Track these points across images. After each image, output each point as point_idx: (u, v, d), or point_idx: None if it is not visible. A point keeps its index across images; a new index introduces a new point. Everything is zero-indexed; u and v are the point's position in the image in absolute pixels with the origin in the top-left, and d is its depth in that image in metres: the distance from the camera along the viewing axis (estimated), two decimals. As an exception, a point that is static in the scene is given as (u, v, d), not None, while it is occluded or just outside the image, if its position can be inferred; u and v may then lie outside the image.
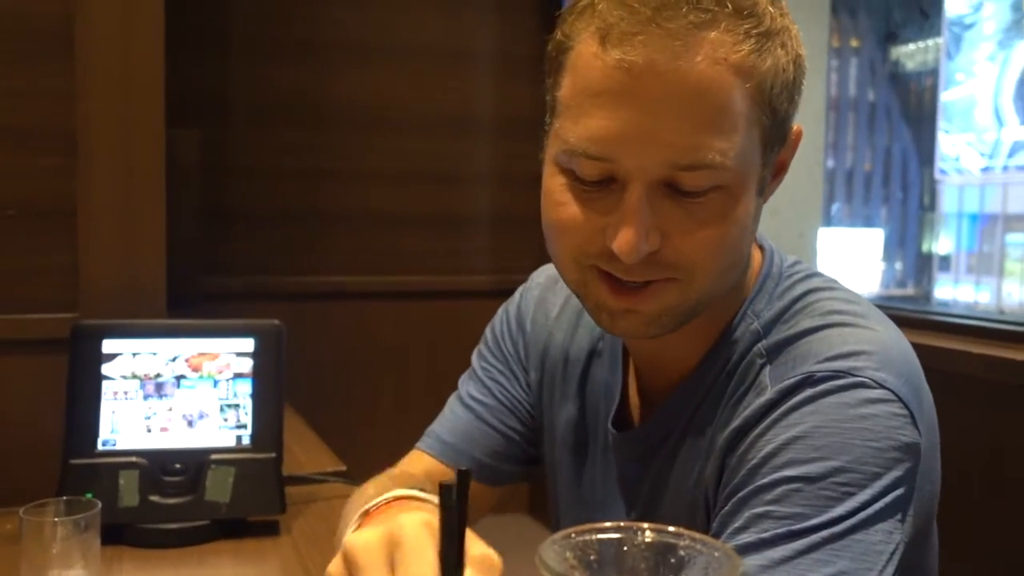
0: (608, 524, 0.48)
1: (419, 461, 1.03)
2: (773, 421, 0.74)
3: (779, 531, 0.68)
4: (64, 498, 0.98)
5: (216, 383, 1.26)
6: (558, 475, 0.98)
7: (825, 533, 0.68)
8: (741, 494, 0.72)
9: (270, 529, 1.25)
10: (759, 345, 0.80)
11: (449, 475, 1.01)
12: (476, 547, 0.61)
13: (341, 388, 3.07)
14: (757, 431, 0.74)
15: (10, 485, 1.14)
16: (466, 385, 1.05)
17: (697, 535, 0.47)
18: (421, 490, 0.82)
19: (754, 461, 0.73)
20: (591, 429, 0.94)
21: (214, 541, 1.21)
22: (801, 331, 0.78)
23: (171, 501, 1.20)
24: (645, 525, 0.48)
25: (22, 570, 0.96)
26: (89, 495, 1.06)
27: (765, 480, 0.71)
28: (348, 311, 3.16)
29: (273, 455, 1.24)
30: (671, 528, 0.48)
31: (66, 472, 1.18)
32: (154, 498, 1.20)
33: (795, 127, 0.79)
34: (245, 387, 1.26)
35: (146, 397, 1.24)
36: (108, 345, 1.24)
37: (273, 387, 1.27)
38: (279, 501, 1.23)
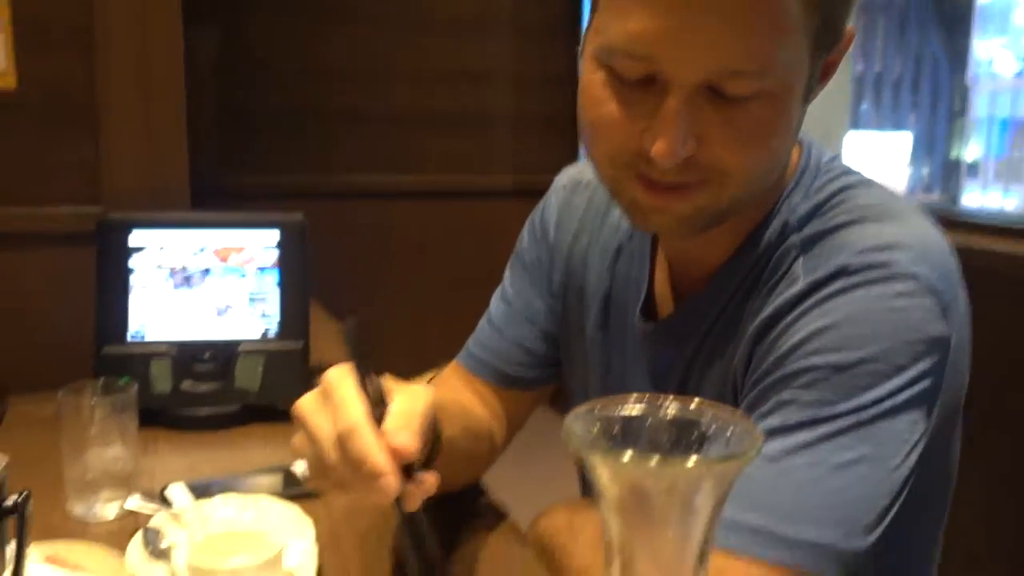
0: (632, 396, 0.49)
1: (455, 371, 1.09)
2: (804, 310, 0.74)
3: (803, 417, 0.70)
4: (101, 379, 1.02)
5: (242, 275, 1.28)
6: (589, 374, 0.99)
7: (850, 419, 0.69)
8: (768, 380, 0.74)
9: (298, 417, 1.29)
10: (794, 237, 0.79)
11: (479, 387, 1.05)
12: (401, 386, 0.71)
13: (363, 286, 3.10)
14: (788, 320, 0.75)
15: (45, 375, 1.18)
16: (495, 300, 1.09)
17: (720, 409, 0.48)
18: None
19: (783, 349, 0.73)
20: (618, 325, 0.95)
21: (245, 425, 1.25)
22: (837, 224, 0.78)
23: (202, 388, 1.24)
24: (669, 399, 0.49)
25: (62, 450, 0.99)
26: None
27: (793, 367, 0.72)
28: (369, 210, 3.17)
29: (300, 345, 1.26)
30: (694, 402, 0.49)
31: (99, 361, 1.22)
32: (186, 385, 1.23)
33: (848, 28, 0.76)
34: (271, 279, 1.28)
35: (175, 288, 1.26)
36: (135, 238, 1.26)
37: (298, 279, 1.29)
38: (307, 390, 1.25)
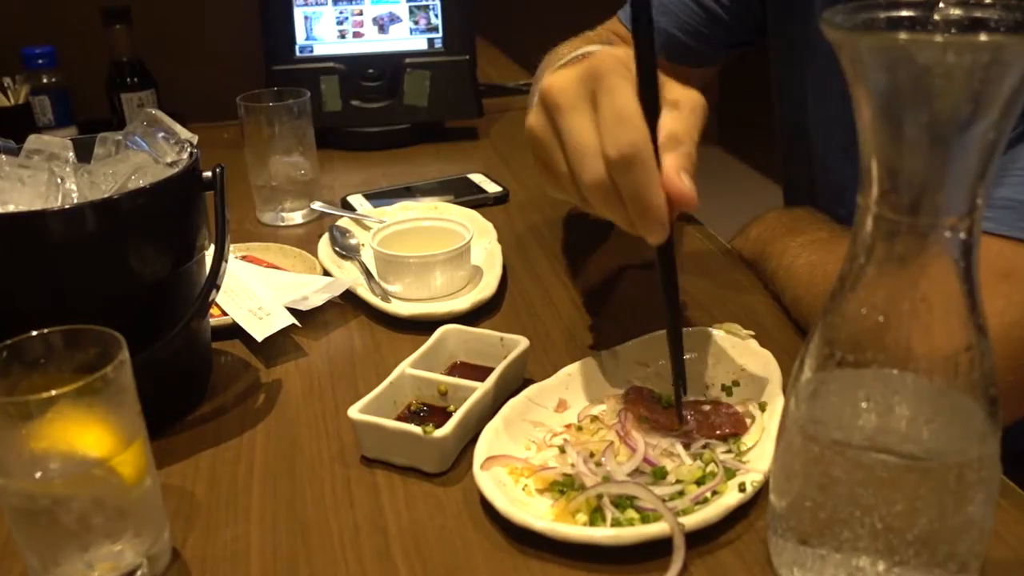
0: (902, 1, 0.40)
1: (614, 25, 0.98)
2: None
3: None
4: (275, 89, 1.00)
5: (403, -16, 1.21)
6: (812, 69, 0.86)
7: None
8: None
9: (468, 134, 1.26)
10: None
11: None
12: (675, 89, 0.55)
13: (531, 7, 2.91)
14: None
15: (221, 104, 1.18)
16: None
17: (1013, 8, 0.39)
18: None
19: None
20: None
21: (416, 144, 1.24)
22: None
23: (372, 105, 1.21)
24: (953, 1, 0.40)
25: (247, 160, 1.00)
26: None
27: None
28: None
29: (466, 58, 1.20)
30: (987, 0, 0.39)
31: (270, 78, 1.20)
32: (355, 103, 1.21)
33: None
34: (433, -13, 1.21)
35: (335, 2, 1.21)
36: (292, -50, 1.20)
37: (461, -13, 1.20)
38: (476, 104, 1.21)
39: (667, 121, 0.52)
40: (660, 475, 0.54)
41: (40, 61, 1.26)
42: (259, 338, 0.72)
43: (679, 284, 0.59)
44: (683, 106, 0.53)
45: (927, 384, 0.41)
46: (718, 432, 0.57)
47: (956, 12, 0.40)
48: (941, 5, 0.40)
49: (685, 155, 0.52)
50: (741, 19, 0.93)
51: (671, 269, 0.58)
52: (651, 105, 0.52)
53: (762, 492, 0.52)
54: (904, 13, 0.40)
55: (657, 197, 0.51)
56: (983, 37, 0.35)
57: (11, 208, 0.58)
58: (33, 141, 0.62)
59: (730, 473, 0.54)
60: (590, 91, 0.52)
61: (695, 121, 0.54)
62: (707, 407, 0.60)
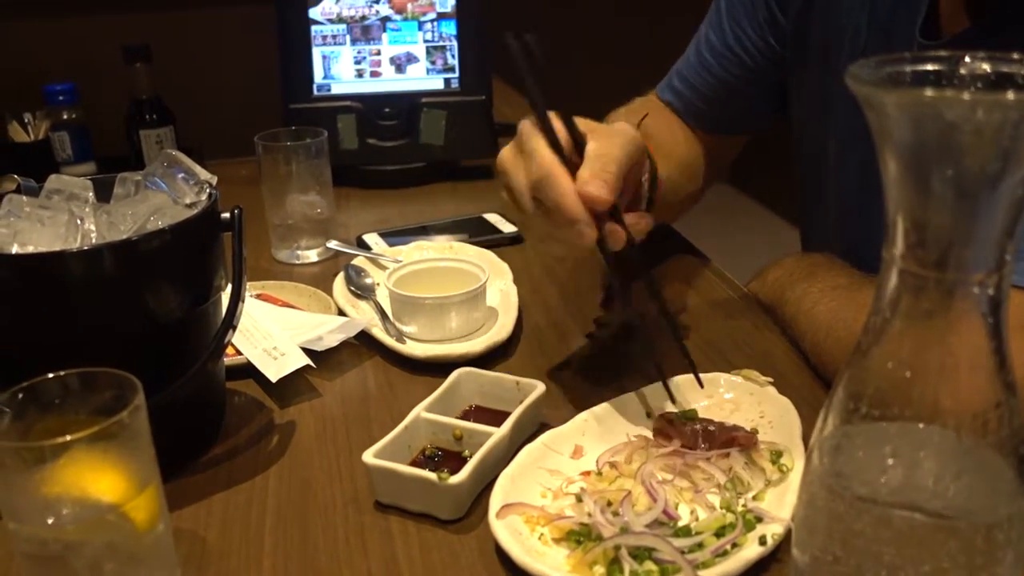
0: (927, 54, 0.40)
1: (650, 98, 1.01)
2: None
3: None
4: (292, 128, 1.01)
5: (421, 25, 1.22)
6: (830, 124, 0.87)
7: None
8: None
9: (484, 173, 1.26)
10: None
11: (670, 117, 0.96)
12: (594, 126, 0.66)
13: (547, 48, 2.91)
14: None
15: (236, 139, 1.19)
16: (706, 23, 0.97)
17: (1041, 61, 0.38)
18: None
19: None
20: (883, 48, 0.79)
21: (432, 183, 1.24)
22: None
23: (388, 144, 1.22)
24: (976, 53, 0.40)
25: (264, 198, 1.01)
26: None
27: None
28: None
29: (483, 97, 1.21)
30: (1014, 56, 0.39)
31: (287, 116, 1.21)
32: (372, 141, 1.22)
33: None
34: (450, 28, 1.21)
35: (354, 42, 1.22)
36: (312, -10, 1.21)
37: (478, 27, 1.21)
38: (492, 143, 1.22)
39: (588, 147, 0.64)
40: (684, 533, 0.53)
41: (61, 98, 1.27)
42: (273, 379, 0.71)
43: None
44: (601, 134, 0.65)
45: (954, 441, 0.41)
46: (736, 442, 0.58)
47: (983, 67, 0.40)
48: (967, 59, 0.40)
49: (598, 166, 0.62)
50: (754, 86, 0.95)
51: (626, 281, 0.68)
52: (556, 144, 0.63)
53: (782, 545, 0.51)
54: (930, 67, 0.40)
55: (567, 206, 0.60)
56: (1011, 95, 0.34)
57: (30, 249, 0.58)
58: (54, 181, 0.62)
59: (750, 525, 0.53)
60: (519, 146, 0.65)
61: (615, 140, 0.65)
62: (713, 427, 0.61)
